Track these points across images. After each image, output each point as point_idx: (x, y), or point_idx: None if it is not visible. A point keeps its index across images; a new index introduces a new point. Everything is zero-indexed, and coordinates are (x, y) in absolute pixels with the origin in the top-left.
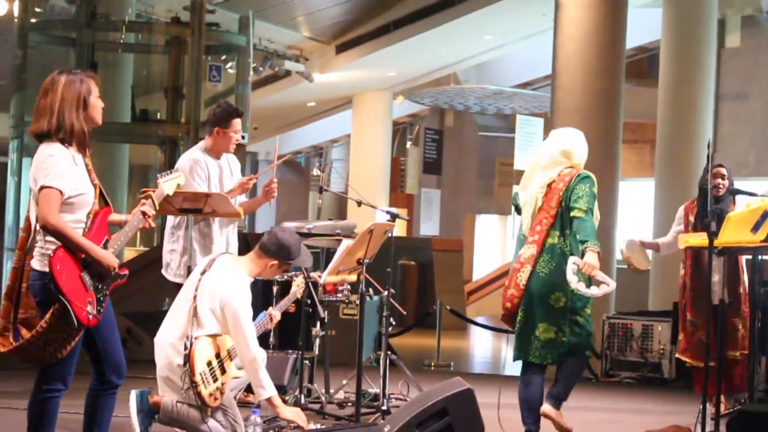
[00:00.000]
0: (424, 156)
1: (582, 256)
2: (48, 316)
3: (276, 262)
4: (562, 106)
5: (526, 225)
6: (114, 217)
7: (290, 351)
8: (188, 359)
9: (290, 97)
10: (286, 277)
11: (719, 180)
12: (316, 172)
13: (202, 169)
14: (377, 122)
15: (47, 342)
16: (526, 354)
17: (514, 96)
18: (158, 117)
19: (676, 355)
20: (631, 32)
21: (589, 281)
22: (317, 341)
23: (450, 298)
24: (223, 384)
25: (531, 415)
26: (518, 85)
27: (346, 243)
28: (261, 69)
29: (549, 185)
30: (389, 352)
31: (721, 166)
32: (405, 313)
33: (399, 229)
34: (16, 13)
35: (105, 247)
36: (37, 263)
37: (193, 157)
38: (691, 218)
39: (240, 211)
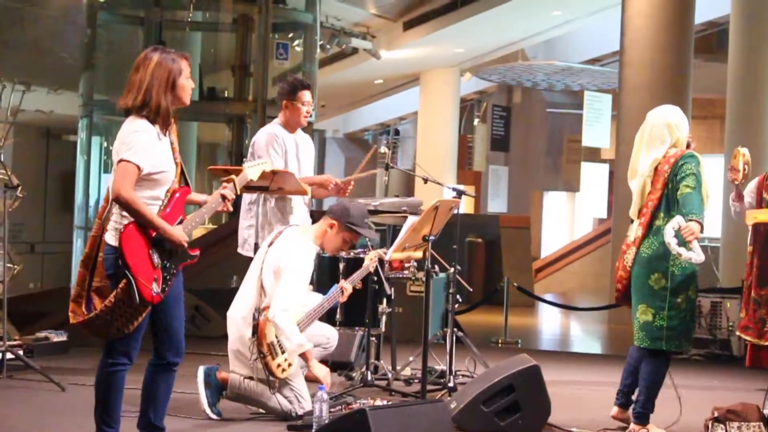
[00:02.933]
0: (491, 133)
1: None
2: (116, 291)
3: (335, 223)
4: (630, 81)
5: (634, 208)
6: (193, 196)
7: (357, 328)
8: (257, 331)
9: (357, 75)
10: (353, 254)
11: None
12: (383, 149)
13: (279, 144)
14: (445, 99)
15: (114, 316)
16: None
17: (582, 72)
18: (226, 95)
19: (737, 333)
20: (700, 7)
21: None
22: (384, 318)
23: (517, 275)
24: (290, 356)
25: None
26: (587, 61)
27: (411, 220)
28: (328, 47)
29: (655, 168)
30: (456, 329)
31: None
32: (471, 289)
33: (466, 207)
34: None
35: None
36: (110, 237)
37: (269, 131)
38: (765, 195)
39: (307, 189)
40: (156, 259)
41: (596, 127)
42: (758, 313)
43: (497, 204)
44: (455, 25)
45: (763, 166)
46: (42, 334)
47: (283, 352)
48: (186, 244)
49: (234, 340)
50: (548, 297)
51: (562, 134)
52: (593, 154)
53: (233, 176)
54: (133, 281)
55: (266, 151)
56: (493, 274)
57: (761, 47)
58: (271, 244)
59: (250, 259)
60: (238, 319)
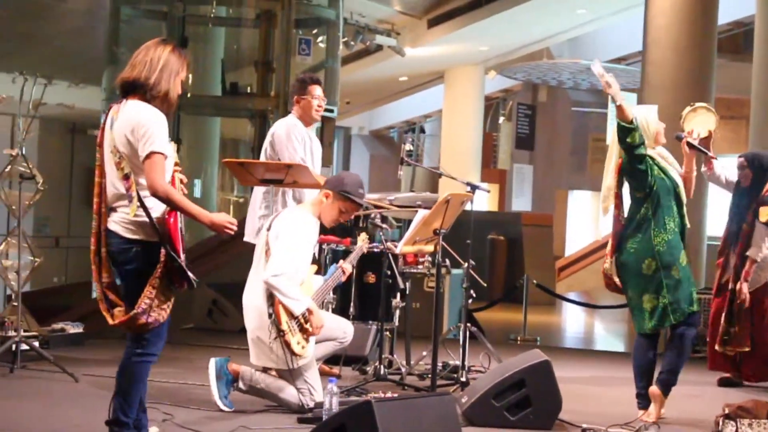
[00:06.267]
0: (516, 131)
1: None
2: (154, 282)
3: (330, 192)
4: (653, 81)
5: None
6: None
7: (371, 322)
8: (274, 309)
9: (382, 72)
10: (366, 249)
11: None
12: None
13: (300, 133)
14: (469, 97)
15: (151, 307)
16: (640, 326)
17: (608, 71)
18: (248, 90)
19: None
20: (726, 7)
21: None
22: (397, 312)
23: (539, 273)
24: (308, 333)
25: (642, 379)
26: (612, 60)
27: (422, 213)
28: (352, 43)
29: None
30: (469, 325)
31: None
32: (485, 285)
33: (490, 204)
34: None
35: None
36: (124, 230)
37: (288, 122)
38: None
39: (321, 182)
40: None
41: None
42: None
43: (522, 202)
44: (480, 23)
45: None
46: (58, 326)
47: (301, 331)
48: (231, 222)
49: (253, 329)
50: (571, 295)
51: (587, 133)
52: None
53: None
54: (185, 268)
55: (288, 141)
56: (514, 272)
57: None
58: (269, 227)
59: None
60: (256, 303)
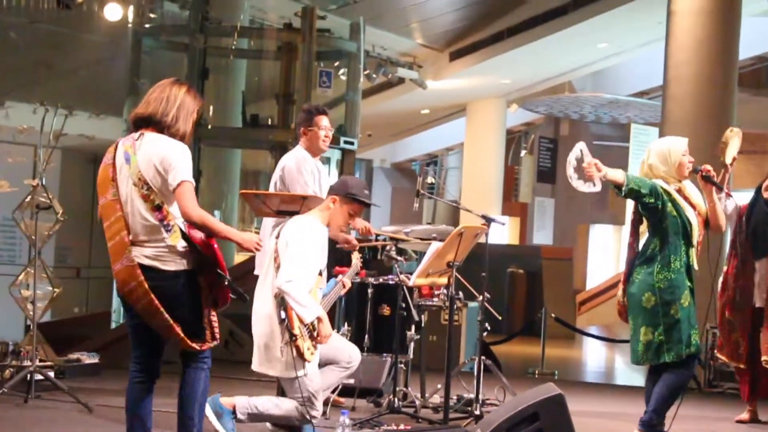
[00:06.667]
0: (538, 165)
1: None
2: (210, 306)
3: (336, 197)
4: (673, 115)
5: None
6: None
7: (385, 355)
8: (286, 314)
9: (404, 105)
10: (381, 279)
11: None
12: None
13: (309, 165)
14: (491, 130)
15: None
16: (634, 357)
17: (629, 105)
18: (269, 122)
19: (716, 353)
20: (749, 42)
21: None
22: (412, 345)
23: (559, 306)
24: (316, 341)
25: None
26: (634, 94)
27: (435, 245)
28: (374, 76)
29: None
30: (484, 358)
31: None
32: (500, 318)
33: (511, 238)
34: (130, 18)
35: None
36: (163, 263)
37: (297, 155)
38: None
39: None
40: None
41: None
42: (733, 336)
43: (543, 236)
44: (502, 56)
45: None
46: (74, 356)
47: (311, 338)
48: (259, 241)
49: (261, 335)
50: (591, 329)
51: (609, 167)
52: None
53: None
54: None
55: (298, 174)
56: (534, 305)
57: None
58: (278, 235)
59: None
60: (266, 311)
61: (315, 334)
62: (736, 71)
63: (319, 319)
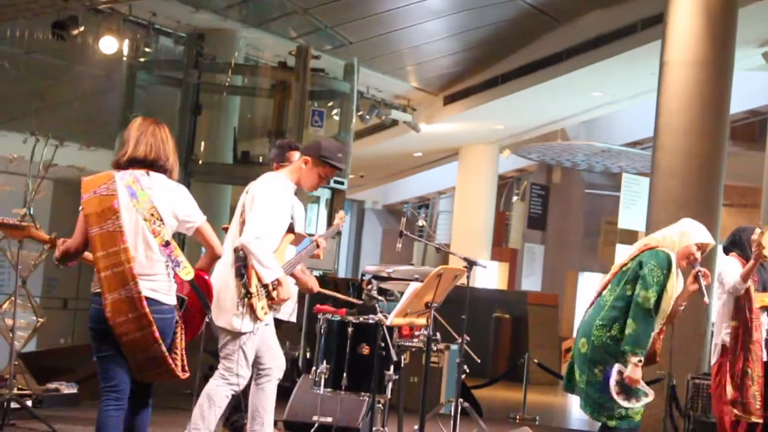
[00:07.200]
0: (529, 211)
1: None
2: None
3: (309, 158)
4: (663, 165)
5: None
6: None
7: (363, 394)
8: (245, 272)
9: (397, 147)
10: (362, 319)
11: None
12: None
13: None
14: (483, 175)
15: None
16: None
17: (622, 154)
18: (260, 160)
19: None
20: (742, 95)
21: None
22: (390, 385)
23: (544, 352)
24: (271, 303)
25: None
26: (627, 144)
27: (413, 286)
28: (368, 117)
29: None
30: (461, 400)
31: None
32: (479, 360)
33: (499, 283)
34: (125, 51)
35: None
36: (166, 297)
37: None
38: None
39: (320, 253)
40: None
41: (633, 210)
42: (751, 389)
43: (531, 282)
44: (495, 102)
45: None
46: (53, 386)
47: (267, 297)
48: None
49: (216, 285)
50: None
51: (600, 215)
52: (629, 237)
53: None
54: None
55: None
56: (518, 350)
57: None
58: (247, 191)
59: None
60: (225, 261)
61: (274, 295)
62: (728, 123)
63: (278, 282)
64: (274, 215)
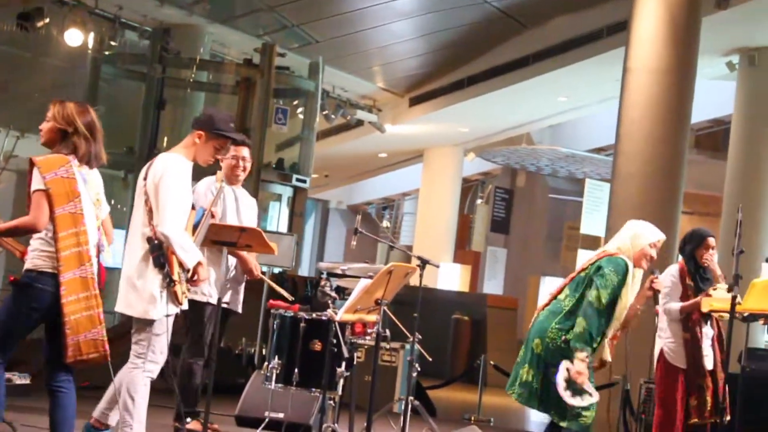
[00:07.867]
0: (492, 214)
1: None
2: None
3: (202, 132)
4: (623, 171)
5: None
6: None
7: (314, 390)
8: (166, 258)
9: (362, 147)
10: (314, 315)
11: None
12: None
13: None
14: (447, 178)
15: None
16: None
17: (586, 160)
18: None
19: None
20: (707, 104)
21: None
22: (341, 381)
23: (502, 355)
24: (193, 284)
25: None
26: (592, 150)
27: (363, 282)
28: (333, 117)
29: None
30: (412, 399)
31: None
32: (430, 359)
33: (461, 285)
34: (90, 44)
35: None
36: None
37: (208, 180)
38: (689, 282)
39: (274, 248)
40: None
41: (595, 216)
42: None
43: (493, 285)
44: (461, 104)
45: (756, 264)
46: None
47: (187, 282)
48: None
49: (128, 277)
50: None
51: (563, 220)
52: (592, 242)
53: None
54: None
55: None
56: (477, 352)
57: (761, 147)
58: (145, 176)
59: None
60: (135, 252)
61: (193, 277)
62: (688, 131)
63: (199, 263)
64: (180, 197)
